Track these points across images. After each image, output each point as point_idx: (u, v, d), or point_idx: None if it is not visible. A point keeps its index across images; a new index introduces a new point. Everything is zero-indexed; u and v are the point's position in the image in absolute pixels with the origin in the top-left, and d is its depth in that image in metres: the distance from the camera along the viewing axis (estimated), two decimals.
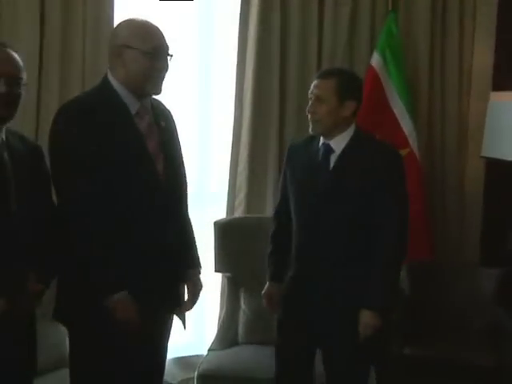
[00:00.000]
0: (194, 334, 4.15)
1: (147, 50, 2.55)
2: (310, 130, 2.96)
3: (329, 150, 2.93)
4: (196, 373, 3.63)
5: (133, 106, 2.59)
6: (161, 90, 2.63)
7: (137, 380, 2.65)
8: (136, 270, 2.53)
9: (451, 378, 3.77)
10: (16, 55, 2.45)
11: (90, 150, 2.46)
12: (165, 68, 2.60)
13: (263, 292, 3.12)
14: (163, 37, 2.61)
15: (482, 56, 4.40)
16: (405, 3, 4.30)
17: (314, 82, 2.94)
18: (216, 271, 4.03)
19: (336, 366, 2.96)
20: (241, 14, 4.05)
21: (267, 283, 3.13)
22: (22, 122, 3.47)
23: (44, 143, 3.17)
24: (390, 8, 4.17)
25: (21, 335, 2.44)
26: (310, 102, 2.93)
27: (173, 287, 2.72)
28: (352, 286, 2.89)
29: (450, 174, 4.40)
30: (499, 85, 4.32)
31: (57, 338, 3.42)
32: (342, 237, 2.89)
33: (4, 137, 2.41)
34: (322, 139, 2.96)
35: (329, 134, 2.93)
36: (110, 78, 2.60)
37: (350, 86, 2.92)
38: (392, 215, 2.88)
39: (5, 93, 2.36)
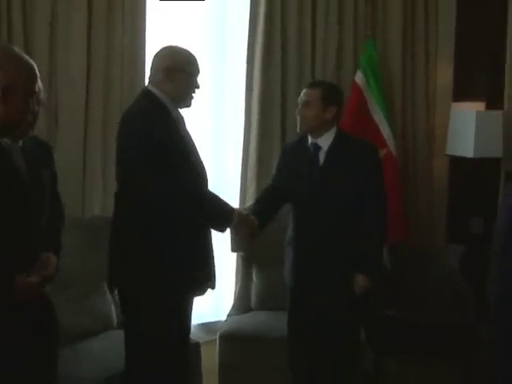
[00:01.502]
0: (213, 304, 4.20)
1: (193, 73, 2.70)
2: (298, 128, 3.10)
3: (317, 147, 3.04)
4: (218, 334, 3.64)
5: (174, 113, 2.70)
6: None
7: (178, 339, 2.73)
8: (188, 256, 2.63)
9: (424, 335, 3.81)
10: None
11: (157, 149, 2.50)
12: (199, 87, 2.75)
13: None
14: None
15: (444, 75, 4.50)
16: (381, 32, 4.42)
17: (304, 91, 3.07)
18: (232, 251, 3.98)
19: (333, 322, 3.00)
20: (249, 39, 4.15)
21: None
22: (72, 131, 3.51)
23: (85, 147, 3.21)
24: (369, 35, 4.27)
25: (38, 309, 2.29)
26: (299, 106, 3.05)
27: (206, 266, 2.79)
28: (345, 258, 2.97)
29: (420, 169, 4.49)
30: (458, 97, 4.44)
31: (104, 305, 3.44)
32: (334, 217, 2.97)
33: (21, 143, 2.26)
34: (310, 139, 3.05)
35: (314, 134, 3.03)
36: (154, 90, 2.67)
37: (332, 94, 3.04)
38: (375, 198, 2.99)
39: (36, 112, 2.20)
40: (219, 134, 4.28)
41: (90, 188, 3.66)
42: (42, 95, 2.19)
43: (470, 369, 3.55)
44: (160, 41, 3.83)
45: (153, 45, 3.75)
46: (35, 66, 2.17)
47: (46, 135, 3.44)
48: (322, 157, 3.00)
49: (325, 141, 3.01)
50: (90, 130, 3.66)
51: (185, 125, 2.75)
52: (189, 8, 4.00)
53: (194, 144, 2.74)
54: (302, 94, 3.06)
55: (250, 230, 2.83)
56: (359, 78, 4.12)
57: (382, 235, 3.03)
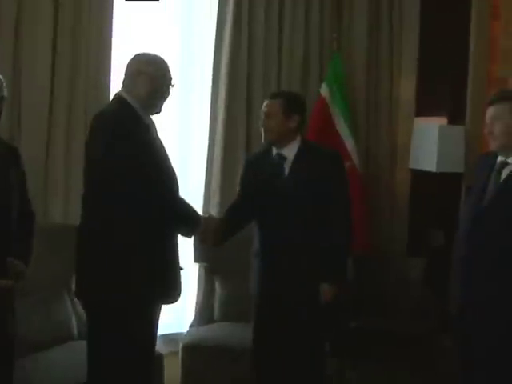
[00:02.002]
0: (174, 315, 4.07)
1: (165, 80, 2.67)
2: (263, 139, 3.06)
3: (282, 157, 3.01)
4: (181, 345, 3.58)
5: (146, 119, 2.67)
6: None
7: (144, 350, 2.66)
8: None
9: (387, 344, 3.77)
10: None
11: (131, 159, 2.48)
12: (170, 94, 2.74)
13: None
14: None
15: (407, 90, 4.48)
16: (347, 45, 4.43)
17: (265, 102, 3.05)
18: (195, 262, 3.94)
19: (300, 331, 2.96)
20: (216, 44, 4.11)
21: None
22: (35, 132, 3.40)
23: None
24: (335, 49, 4.27)
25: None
26: (262, 118, 3.02)
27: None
28: (310, 267, 2.94)
29: (383, 182, 4.48)
30: (420, 112, 4.42)
31: (65, 315, 3.36)
32: (300, 227, 2.94)
33: None
34: (274, 150, 3.02)
35: (279, 144, 3.01)
36: (127, 96, 2.64)
37: (293, 103, 3.02)
38: (340, 208, 2.97)
39: None
40: (183, 143, 4.21)
41: (51, 193, 3.55)
42: (5, 92, 2.14)
43: (432, 377, 3.56)
44: (126, 40, 3.81)
45: (119, 44, 3.72)
46: None
47: (9, 136, 3.32)
48: (287, 167, 2.98)
49: (290, 151, 2.99)
50: (53, 132, 3.55)
51: (156, 131, 2.72)
52: (155, 8, 3.93)
53: (165, 150, 2.70)
54: (263, 105, 3.03)
55: (215, 228, 2.81)
56: (324, 90, 4.13)
57: (347, 244, 3.02)
